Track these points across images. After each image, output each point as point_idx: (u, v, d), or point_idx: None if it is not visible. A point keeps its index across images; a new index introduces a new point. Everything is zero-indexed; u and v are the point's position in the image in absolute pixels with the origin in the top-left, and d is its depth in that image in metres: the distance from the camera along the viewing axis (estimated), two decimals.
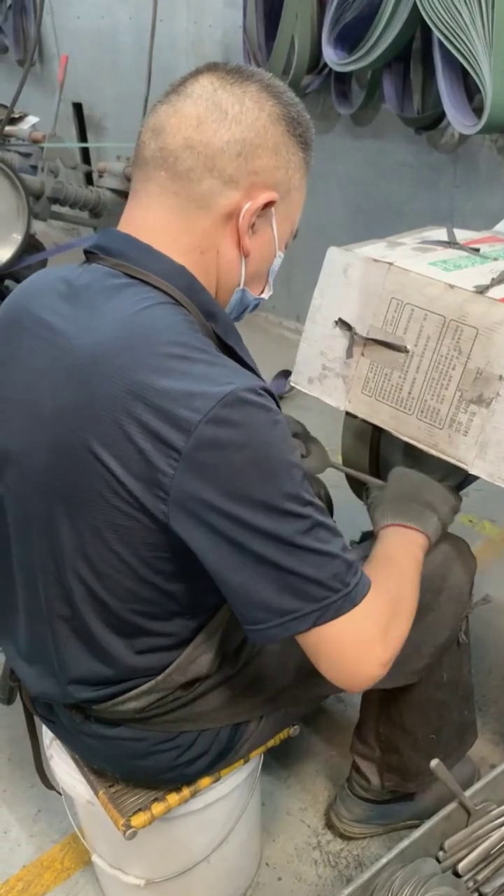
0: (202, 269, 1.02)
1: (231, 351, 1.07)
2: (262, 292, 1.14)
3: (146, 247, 1.00)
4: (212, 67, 1.01)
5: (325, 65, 3.15)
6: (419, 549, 1.19)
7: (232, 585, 0.94)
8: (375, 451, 1.59)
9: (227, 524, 0.89)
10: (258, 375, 1.10)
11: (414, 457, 1.53)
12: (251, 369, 1.09)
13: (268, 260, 1.10)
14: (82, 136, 5.30)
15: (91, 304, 0.98)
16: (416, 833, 1.19)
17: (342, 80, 3.28)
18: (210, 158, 0.97)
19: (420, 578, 1.13)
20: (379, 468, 1.60)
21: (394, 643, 1.01)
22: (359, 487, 1.58)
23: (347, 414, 1.43)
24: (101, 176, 4.14)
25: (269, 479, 0.89)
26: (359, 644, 0.96)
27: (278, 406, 0.96)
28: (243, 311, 1.15)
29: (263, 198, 1.01)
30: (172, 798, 1.20)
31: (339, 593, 0.94)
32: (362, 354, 1.36)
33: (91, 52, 4.78)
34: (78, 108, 5.21)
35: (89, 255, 1.05)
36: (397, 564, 1.13)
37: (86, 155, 5.29)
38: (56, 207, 4.00)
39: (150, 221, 1.01)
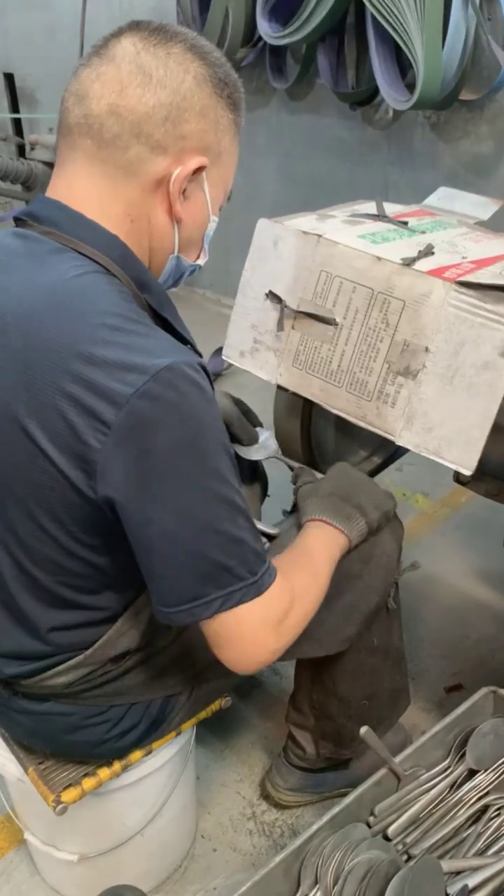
0: (134, 238, 1.00)
1: (166, 324, 1.05)
2: (197, 258, 1.12)
3: (78, 215, 0.97)
4: (134, 27, 0.98)
5: (260, 38, 3.12)
6: (338, 549, 1.19)
7: (148, 563, 0.93)
8: (307, 424, 1.60)
9: (149, 500, 0.88)
10: (194, 348, 1.09)
11: (345, 429, 1.55)
12: (187, 342, 1.08)
13: (202, 225, 1.08)
14: (14, 108, 5.17)
15: (21, 272, 0.96)
16: (347, 799, 1.21)
17: (277, 54, 3.26)
18: (136, 124, 0.95)
19: (330, 577, 1.14)
20: (310, 441, 1.61)
21: (288, 634, 1.03)
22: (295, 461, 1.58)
23: (279, 387, 1.44)
24: (33, 148, 4.05)
25: (197, 460, 0.89)
26: (254, 632, 0.98)
27: (212, 384, 0.95)
28: (179, 278, 1.13)
29: (193, 163, 0.99)
30: (103, 772, 1.20)
31: (246, 582, 0.94)
32: (293, 327, 1.36)
33: (23, 22, 4.65)
34: (9, 78, 5.07)
35: (19, 223, 1.02)
36: (311, 561, 1.14)
37: (18, 126, 5.16)
38: None
39: (78, 190, 0.98)
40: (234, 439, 1.46)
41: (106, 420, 0.86)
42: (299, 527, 1.23)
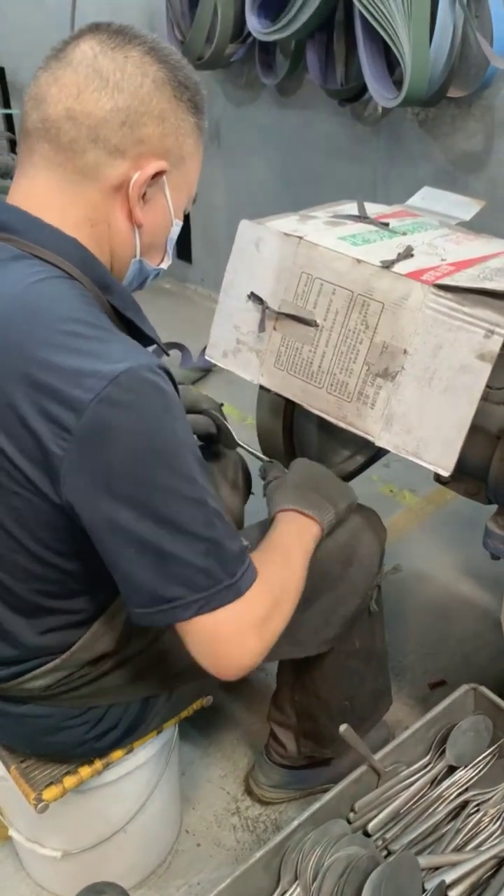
0: (94, 242, 1.00)
1: (130, 324, 1.05)
2: (160, 262, 1.12)
3: (36, 220, 0.97)
4: (94, 29, 0.97)
5: (249, 34, 3.11)
6: (312, 539, 1.19)
7: (118, 568, 0.93)
8: (289, 425, 1.61)
9: (117, 506, 0.88)
10: (161, 346, 1.10)
11: (327, 430, 1.56)
12: (153, 341, 1.08)
13: (164, 230, 1.07)
14: (6, 103, 5.15)
15: None
16: (327, 796, 1.23)
17: (266, 50, 3.25)
18: (93, 129, 0.94)
19: (306, 568, 1.13)
20: (293, 441, 1.62)
21: (270, 636, 1.02)
22: (277, 460, 1.59)
23: (261, 388, 1.44)
24: None
25: (161, 461, 0.89)
26: (235, 635, 0.97)
27: (174, 385, 0.95)
28: (143, 282, 1.13)
29: (152, 167, 0.98)
30: (85, 771, 1.21)
31: (224, 583, 0.94)
32: (274, 328, 1.37)
33: (14, 17, 4.63)
34: (0, 73, 5.06)
35: None
36: (287, 555, 1.13)
37: (9, 122, 5.15)
38: None
39: (37, 194, 0.98)
40: (204, 437, 1.46)
41: (67, 426, 0.86)
42: (270, 520, 1.23)
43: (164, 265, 1.13)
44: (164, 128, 0.98)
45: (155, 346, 1.09)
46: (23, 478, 0.90)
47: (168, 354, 1.06)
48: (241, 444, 1.51)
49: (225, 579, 0.94)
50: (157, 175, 1.00)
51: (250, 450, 1.51)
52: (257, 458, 1.48)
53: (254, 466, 1.57)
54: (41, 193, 0.98)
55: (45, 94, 0.96)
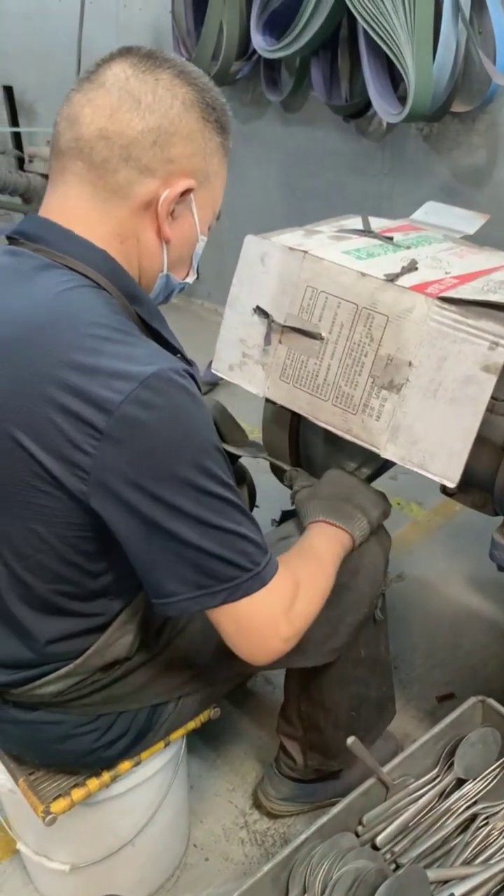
0: (123, 256, 1.03)
1: (156, 334, 1.08)
2: (186, 276, 1.15)
3: (67, 231, 1.00)
4: (125, 53, 1.01)
5: (255, 51, 3.15)
6: (342, 548, 1.23)
7: (146, 561, 0.96)
8: (295, 437, 1.61)
9: (145, 501, 0.91)
10: (184, 357, 1.12)
11: (333, 442, 1.56)
12: (177, 351, 1.11)
13: (190, 245, 1.11)
14: (13, 121, 5.20)
15: (11, 287, 0.98)
16: (335, 809, 1.23)
17: (271, 67, 3.28)
18: (125, 148, 0.98)
19: (335, 573, 1.18)
20: (299, 453, 1.62)
21: (299, 621, 1.06)
22: (280, 471, 1.60)
23: (267, 400, 1.45)
24: (31, 161, 4.08)
25: (188, 459, 0.92)
26: (264, 620, 1.01)
27: (200, 389, 0.97)
28: (169, 295, 1.16)
29: (181, 185, 1.01)
30: (93, 783, 1.21)
31: (250, 573, 0.98)
32: (280, 342, 1.38)
33: (22, 35, 4.69)
34: (9, 91, 5.11)
35: (12, 241, 1.05)
36: (316, 555, 1.18)
37: (17, 140, 5.20)
38: None
39: (68, 210, 1.01)
40: (224, 440, 1.49)
41: (97, 426, 0.88)
42: (302, 530, 1.27)
43: (190, 279, 1.16)
44: (193, 147, 1.02)
45: (180, 356, 1.11)
46: (50, 478, 0.92)
47: (191, 364, 1.09)
48: (265, 456, 1.54)
49: (252, 569, 0.98)
50: (186, 193, 1.03)
51: (268, 457, 1.54)
52: (282, 467, 1.50)
53: (258, 477, 1.58)
54: (73, 209, 1.01)
55: (78, 114, 0.99)
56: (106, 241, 1.02)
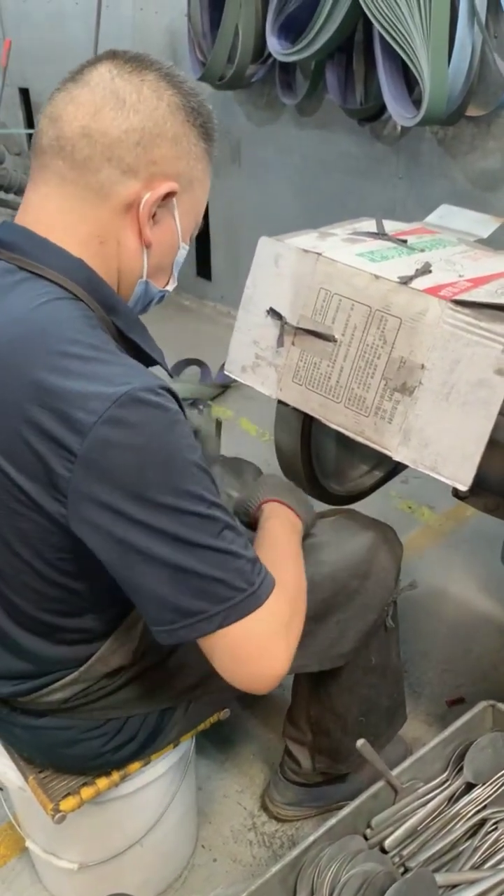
0: (102, 260, 1.01)
1: (135, 346, 1.05)
2: (166, 284, 1.12)
3: (42, 240, 0.98)
4: (111, 55, 1.00)
5: (270, 55, 3.15)
6: (297, 534, 1.20)
7: (134, 587, 0.93)
8: (307, 439, 1.61)
9: (126, 526, 0.89)
10: (165, 368, 1.10)
11: (345, 444, 1.57)
12: (156, 362, 1.09)
13: (171, 252, 1.08)
14: (29, 123, 5.24)
15: None
16: (344, 811, 1.22)
17: (286, 70, 3.29)
18: (108, 147, 0.96)
19: (303, 565, 1.13)
20: (311, 456, 1.62)
21: (294, 639, 1.02)
22: (289, 466, 1.60)
23: (279, 402, 1.45)
24: None
25: (167, 480, 0.89)
26: (263, 643, 0.96)
27: (180, 405, 0.95)
28: (148, 304, 1.13)
29: (164, 188, 1.00)
30: (102, 782, 1.22)
31: (245, 593, 0.93)
32: (293, 343, 1.38)
33: (39, 37, 4.72)
34: (25, 93, 5.14)
35: None
36: (285, 551, 1.13)
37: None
38: (0, 194, 3.96)
39: (47, 211, 1.00)
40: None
41: (71, 448, 0.86)
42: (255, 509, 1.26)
43: (170, 287, 1.14)
44: (177, 150, 1.01)
45: (159, 367, 1.10)
46: (28, 500, 0.91)
47: (172, 375, 1.07)
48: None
49: (246, 588, 0.94)
50: (168, 196, 1.01)
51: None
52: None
53: None
54: (51, 211, 1.00)
55: (61, 112, 0.98)
56: (85, 243, 1.00)
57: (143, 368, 0.96)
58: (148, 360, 1.07)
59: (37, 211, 1.01)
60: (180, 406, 0.95)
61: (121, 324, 1.03)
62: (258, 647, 0.96)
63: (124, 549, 0.90)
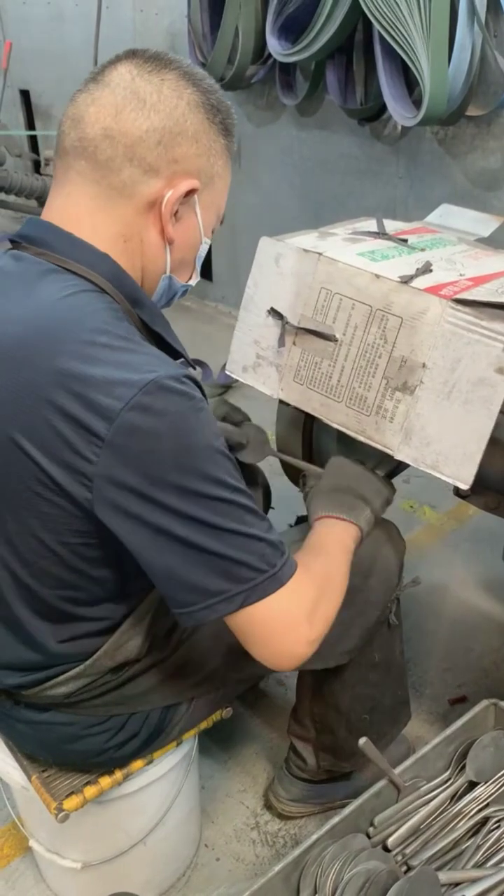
0: (126, 257, 1.03)
1: (159, 338, 1.08)
2: (189, 279, 1.15)
3: (69, 235, 1.00)
4: (130, 55, 1.01)
5: (270, 55, 3.16)
6: (350, 539, 1.21)
7: (158, 570, 0.95)
8: (308, 438, 1.62)
9: (151, 509, 0.91)
10: (188, 360, 1.12)
11: (346, 444, 1.56)
12: (181, 355, 1.11)
13: (194, 247, 1.11)
14: (30, 124, 5.24)
15: (13, 292, 0.99)
16: (347, 810, 1.23)
17: (286, 70, 3.29)
18: (129, 147, 0.98)
19: (349, 566, 1.16)
20: (312, 455, 1.63)
21: (321, 623, 1.04)
22: (294, 474, 1.61)
23: (281, 402, 1.46)
24: (47, 164, 4.11)
25: (192, 465, 0.91)
26: (286, 623, 0.99)
27: (203, 394, 0.97)
28: (172, 298, 1.15)
29: (185, 185, 1.01)
30: (105, 781, 1.22)
31: (266, 574, 0.96)
32: (294, 343, 1.38)
33: (39, 39, 4.72)
34: (25, 95, 5.15)
35: (14, 245, 1.05)
36: (327, 551, 1.16)
37: (34, 143, 5.23)
38: (1, 195, 3.97)
39: (71, 210, 1.01)
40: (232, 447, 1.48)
41: (99, 434, 0.88)
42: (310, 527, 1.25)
43: (193, 282, 1.16)
44: (198, 148, 1.02)
45: (182, 359, 1.12)
46: (53, 484, 0.92)
47: (195, 368, 1.09)
48: (278, 454, 1.53)
49: (267, 570, 0.96)
50: (189, 193, 1.03)
51: (287, 458, 1.54)
52: (299, 466, 1.50)
53: (280, 478, 1.58)
54: (76, 210, 1.01)
55: (83, 113, 0.99)
56: (110, 241, 1.02)
57: (167, 358, 0.97)
58: (171, 352, 1.08)
59: (61, 210, 1.03)
60: (203, 394, 0.97)
61: (145, 317, 1.05)
62: (281, 626, 0.99)
63: (148, 531, 0.92)
